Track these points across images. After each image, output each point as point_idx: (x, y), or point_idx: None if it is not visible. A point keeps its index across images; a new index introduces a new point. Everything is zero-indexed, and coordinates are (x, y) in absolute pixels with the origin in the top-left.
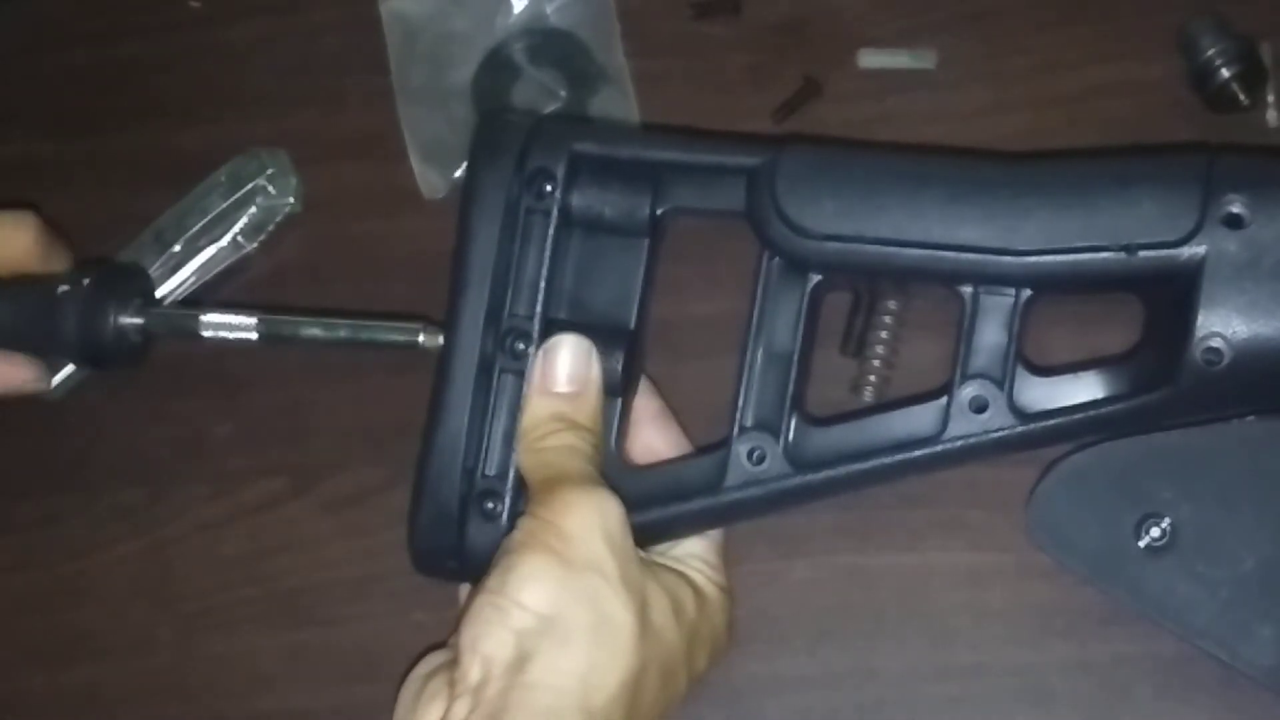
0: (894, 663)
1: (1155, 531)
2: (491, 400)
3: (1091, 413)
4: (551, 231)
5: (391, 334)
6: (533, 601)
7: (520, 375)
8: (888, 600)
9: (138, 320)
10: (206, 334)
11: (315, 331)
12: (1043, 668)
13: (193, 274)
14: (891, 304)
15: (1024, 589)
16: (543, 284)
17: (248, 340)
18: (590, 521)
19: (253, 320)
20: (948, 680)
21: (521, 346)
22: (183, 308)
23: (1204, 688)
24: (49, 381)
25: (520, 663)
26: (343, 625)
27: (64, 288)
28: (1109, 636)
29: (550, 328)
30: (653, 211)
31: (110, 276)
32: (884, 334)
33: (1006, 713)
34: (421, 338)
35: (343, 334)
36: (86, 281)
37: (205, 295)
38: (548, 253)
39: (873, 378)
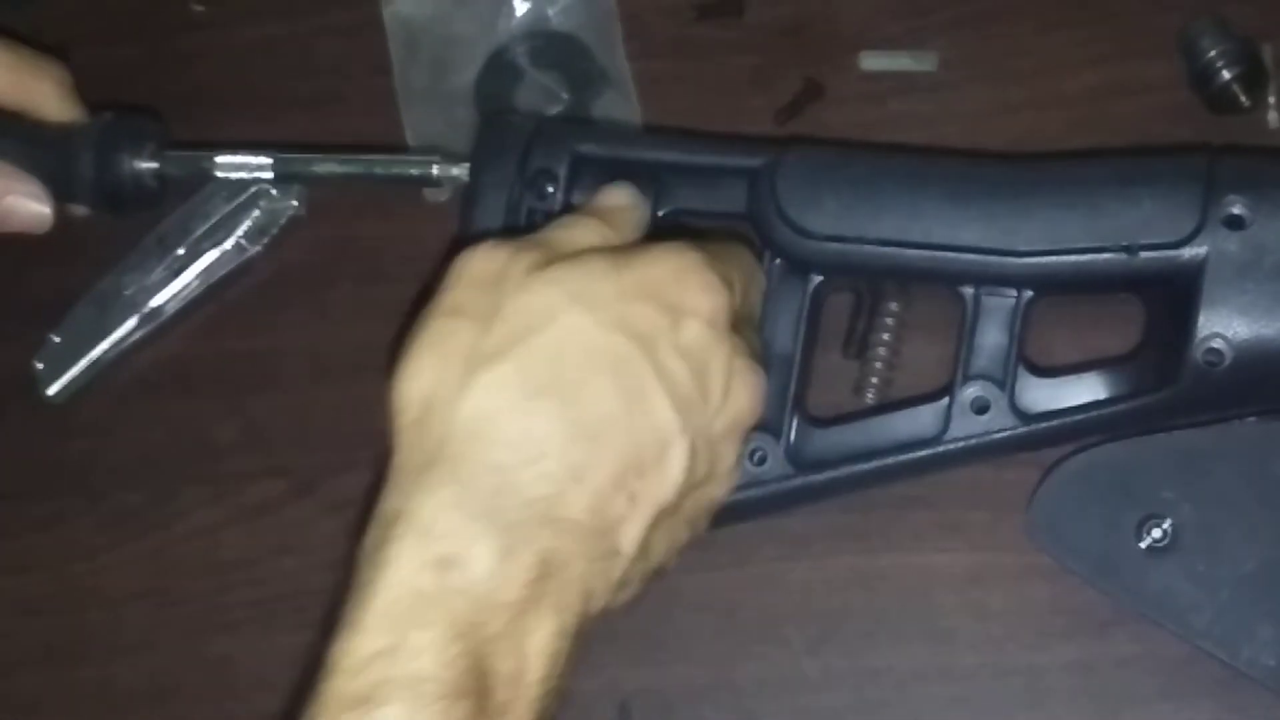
0: (894, 663)
1: (1156, 532)
2: None
3: (1093, 414)
4: None
5: (407, 167)
6: None
7: None
8: (888, 601)
9: (153, 164)
10: (220, 175)
11: (330, 168)
12: (1043, 668)
13: (197, 277)
14: (893, 305)
15: (1024, 589)
16: None
17: (262, 180)
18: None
19: (268, 160)
20: (948, 681)
21: None
22: (197, 149)
23: (1205, 689)
24: (48, 221)
25: None
26: None
27: (79, 130)
28: (1110, 637)
29: None
30: (654, 213)
31: (124, 121)
32: (886, 335)
33: (1007, 713)
34: (436, 170)
35: (357, 169)
36: (101, 124)
37: (209, 299)
38: None
39: (875, 379)
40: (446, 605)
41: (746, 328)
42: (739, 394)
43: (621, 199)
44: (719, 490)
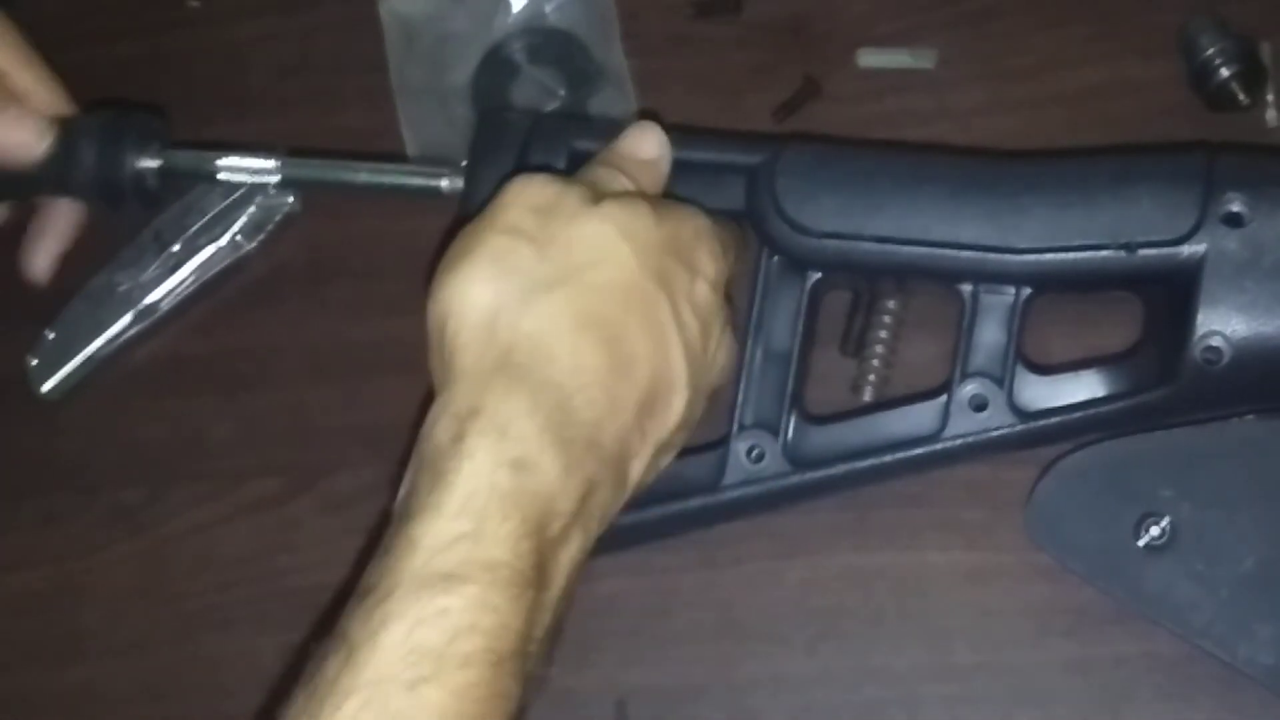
0: (893, 662)
1: (1155, 530)
2: None
3: (1091, 411)
4: None
5: (413, 178)
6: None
7: None
8: (887, 600)
9: (155, 162)
10: (222, 176)
11: (336, 174)
12: (1043, 668)
13: (192, 273)
14: (890, 303)
15: (1024, 589)
16: None
17: (267, 183)
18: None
19: (273, 163)
20: (947, 680)
21: None
22: (202, 149)
23: (1204, 688)
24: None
25: None
26: None
27: (81, 124)
28: (1109, 636)
29: None
30: None
31: (127, 118)
32: (883, 333)
33: (1006, 713)
34: (444, 183)
35: (364, 177)
36: (104, 119)
37: (204, 294)
38: None
39: (872, 377)
40: (520, 503)
41: (730, 298)
42: (721, 356)
43: (649, 150)
44: (686, 438)
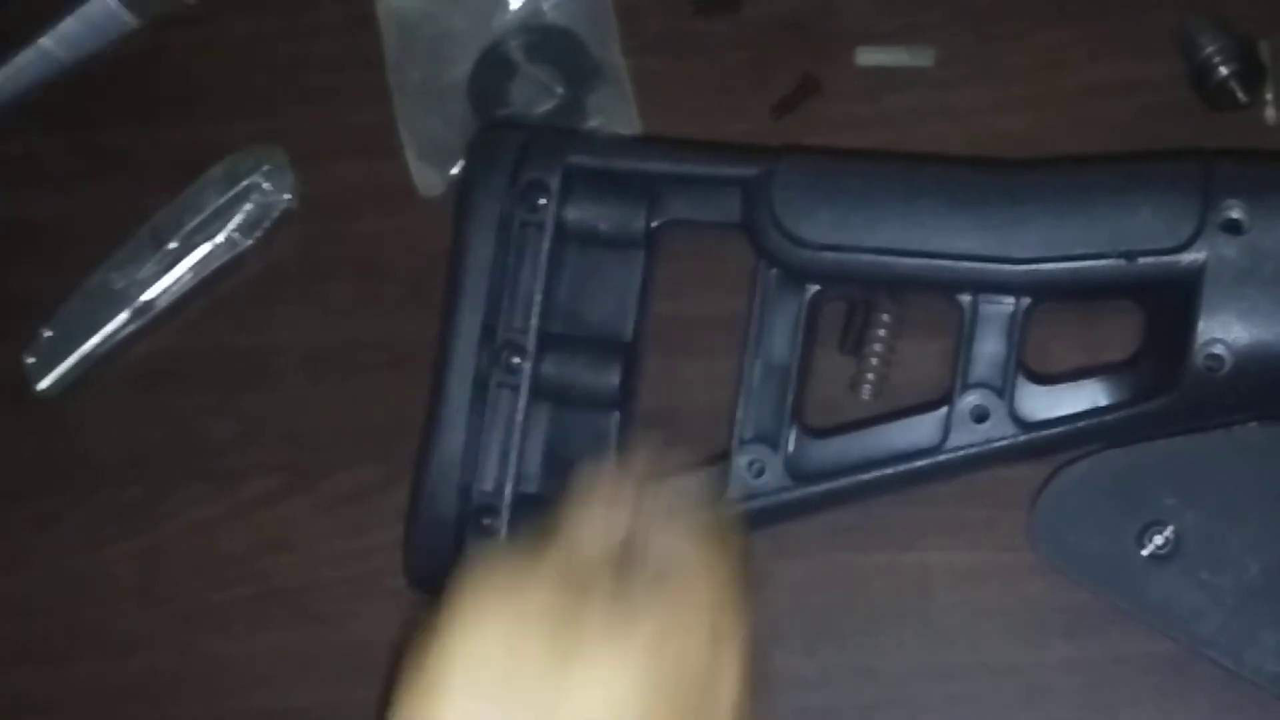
0: (892, 662)
1: (1159, 540)
2: (486, 414)
3: (1093, 421)
4: (546, 244)
5: None
6: None
7: (515, 389)
8: (886, 599)
9: None
10: None
11: None
12: (1042, 667)
13: (189, 271)
14: (886, 317)
15: (1023, 588)
16: (538, 297)
17: None
18: None
19: None
20: (946, 680)
21: (517, 360)
22: None
23: (1204, 688)
24: None
25: None
26: (341, 624)
27: None
28: (1109, 636)
29: (546, 341)
30: (648, 224)
31: None
32: (882, 331)
33: (1005, 712)
34: None
35: None
36: None
37: (201, 292)
38: (543, 266)
39: (871, 375)
40: None
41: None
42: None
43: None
44: None
